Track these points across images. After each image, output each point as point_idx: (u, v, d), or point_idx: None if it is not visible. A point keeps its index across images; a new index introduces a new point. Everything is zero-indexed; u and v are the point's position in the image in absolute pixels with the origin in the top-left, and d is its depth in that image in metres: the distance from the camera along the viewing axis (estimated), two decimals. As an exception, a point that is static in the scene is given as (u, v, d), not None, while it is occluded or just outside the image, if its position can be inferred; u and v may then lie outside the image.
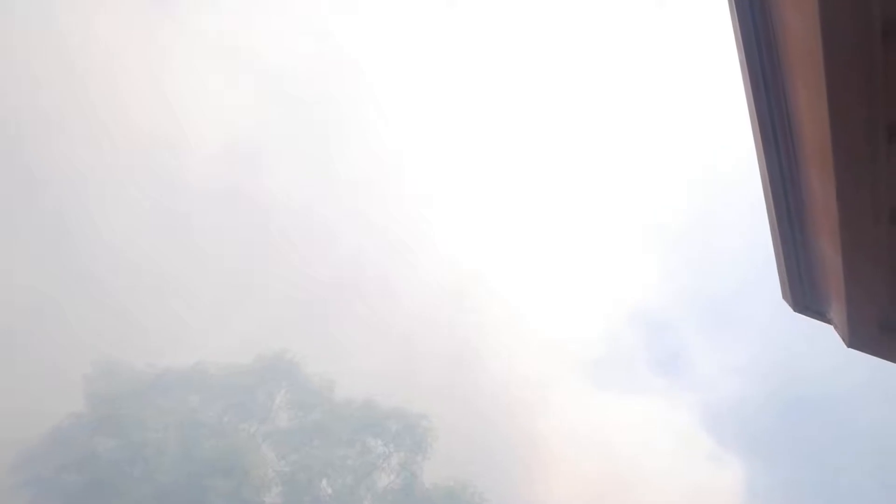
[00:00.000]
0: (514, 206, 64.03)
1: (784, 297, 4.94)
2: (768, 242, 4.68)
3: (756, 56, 3.02)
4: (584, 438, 49.91)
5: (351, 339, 46.91)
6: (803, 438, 55.94)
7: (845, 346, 4.79)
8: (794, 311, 5.01)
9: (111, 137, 50.75)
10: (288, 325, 44.58)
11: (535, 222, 63.76)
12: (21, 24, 48.72)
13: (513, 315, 55.94)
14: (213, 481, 32.76)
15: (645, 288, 61.52)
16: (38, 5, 49.95)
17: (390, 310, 50.95)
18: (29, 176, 46.62)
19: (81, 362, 37.15)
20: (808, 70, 2.66)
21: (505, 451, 45.63)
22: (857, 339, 4.53)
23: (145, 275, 46.03)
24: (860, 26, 2.37)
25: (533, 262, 61.64)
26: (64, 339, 38.67)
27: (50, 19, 50.29)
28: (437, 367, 48.00)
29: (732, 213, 58.21)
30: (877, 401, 49.72)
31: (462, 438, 41.13)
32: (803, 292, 4.71)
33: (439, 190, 62.12)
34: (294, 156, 56.67)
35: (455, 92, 65.03)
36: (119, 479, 32.34)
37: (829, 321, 4.84)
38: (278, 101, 58.12)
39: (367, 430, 37.03)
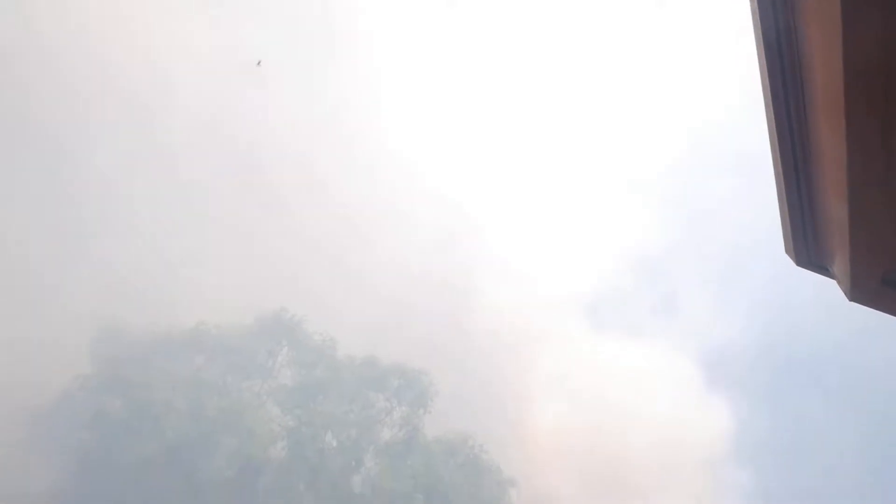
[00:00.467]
0: (509, 153, 63.60)
1: (787, 251, 4.89)
2: (772, 194, 4.61)
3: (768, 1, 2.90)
4: (581, 384, 50.52)
5: (348, 296, 47.11)
6: (797, 388, 56.64)
7: (847, 300, 4.77)
8: (797, 265, 4.97)
9: (103, 73, 49.84)
10: (285, 283, 44.71)
11: (531, 168, 63.40)
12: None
13: (509, 263, 56.05)
14: (219, 438, 33.32)
15: (645, 233, 61.35)
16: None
17: (386, 266, 51.06)
18: (23, 125, 46.07)
19: (85, 326, 37.38)
20: (822, 15, 2.56)
21: (504, 401, 46.26)
22: (859, 292, 4.49)
23: (141, 235, 45.96)
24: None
25: (529, 208, 61.47)
26: (66, 303, 38.83)
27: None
28: (435, 322, 48.32)
29: (737, 164, 57.83)
30: (873, 354, 50.18)
31: (462, 392, 41.65)
32: (806, 247, 4.66)
33: (432, 140, 61.59)
34: (286, 106, 56.01)
35: (451, 33, 63.90)
36: (129, 438, 32.86)
37: (831, 276, 4.80)
38: (271, 50, 57.20)
39: (368, 385, 37.51)
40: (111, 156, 47.90)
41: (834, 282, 4.89)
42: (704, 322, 61.35)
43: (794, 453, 53.10)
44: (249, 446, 33.68)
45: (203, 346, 38.09)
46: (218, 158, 51.59)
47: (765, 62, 3.16)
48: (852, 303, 4.75)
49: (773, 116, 3.45)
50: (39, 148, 46.20)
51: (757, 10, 2.97)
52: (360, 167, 56.53)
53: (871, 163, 3.07)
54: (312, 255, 49.36)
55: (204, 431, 33.11)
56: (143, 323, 37.92)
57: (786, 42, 3.00)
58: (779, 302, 56.88)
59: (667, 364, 53.96)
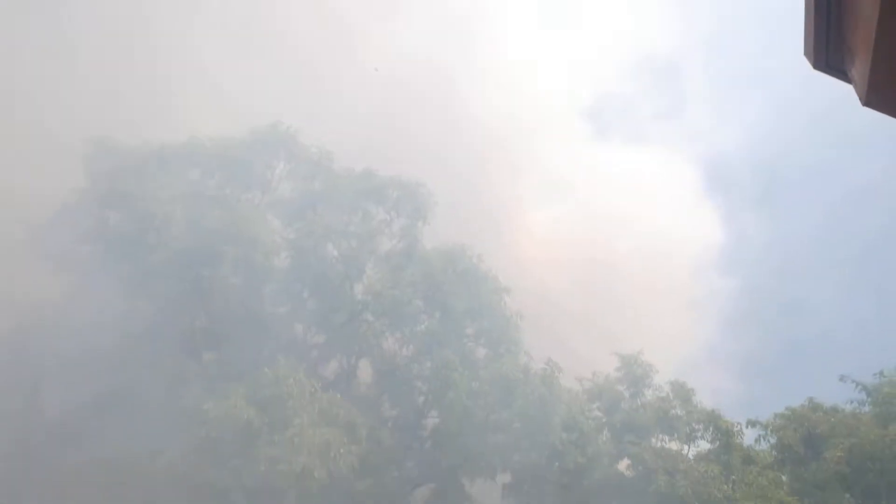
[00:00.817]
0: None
1: (806, 52, 4.73)
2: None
3: None
4: (579, 192, 50.99)
5: (344, 107, 46.13)
6: (796, 200, 57.11)
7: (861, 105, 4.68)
8: (815, 68, 4.83)
9: None
10: (279, 94, 43.61)
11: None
12: None
13: (507, 62, 54.08)
14: (223, 248, 34.13)
15: (652, 33, 58.52)
16: None
17: (381, 73, 49.41)
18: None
19: (77, 140, 36.88)
20: None
21: (501, 210, 47.02)
22: (875, 97, 4.39)
23: (130, 46, 44.06)
24: None
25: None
26: (58, 118, 38.03)
27: None
28: (432, 130, 47.71)
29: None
30: (877, 169, 49.93)
31: (460, 202, 42.15)
32: (827, 48, 4.52)
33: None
34: None
35: None
36: (132, 248, 33.72)
37: (848, 80, 4.68)
38: None
39: (367, 197, 37.85)
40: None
41: (848, 91, 4.77)
42: (709, 128, 60.39)
43: (787, 264, 54.65)
44: (253, 255, 34.58)
45: (198, 159, 37.91)
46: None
47: None
48: (865, 108, 4.66)
49: None
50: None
51: None
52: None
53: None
54: (304, 62, 47.68)
55: (206, 242, 33.78)
56: (136, 136, 37.45)
57: None
58: (787, 111, 55.82)
59: (667, 172, 53.98)
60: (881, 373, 32.50)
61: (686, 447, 30.20)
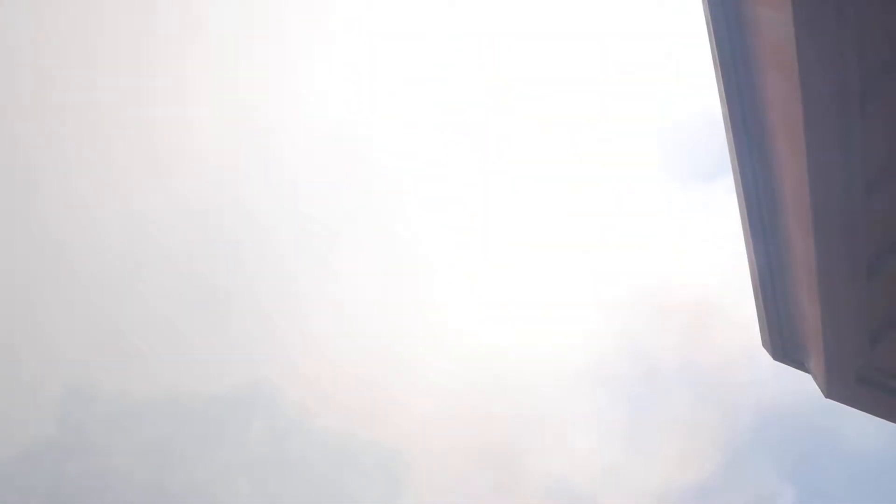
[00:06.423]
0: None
1: (763, 345, 4.96)
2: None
3: (739, 112, 3.06)
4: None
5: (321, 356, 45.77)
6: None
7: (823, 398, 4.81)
8: (774, 359, 5.03)
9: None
10: (261, 350, 43.55)
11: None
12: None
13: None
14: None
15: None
16: None
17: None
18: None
19: (52, 384, 36.09)
20: (790, 129, 2.71)
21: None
22: (835, 391, 4.55)
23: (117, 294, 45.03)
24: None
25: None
26: (35, 359, 37.65)
27: None
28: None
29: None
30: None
31: (443, 474, 40.26)
32: (783, 342, 4.73)
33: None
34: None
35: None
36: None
37: (807, 371, 4.86)
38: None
39: (341, 466, 36.05)
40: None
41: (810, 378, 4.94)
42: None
43: None
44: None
45: (174, 412, 36.85)
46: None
47: (738, 172, 3.31)
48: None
49: (748, 223, 3.58)
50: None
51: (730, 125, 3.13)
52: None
53: (840, 266, 3.19)
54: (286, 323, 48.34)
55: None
56: (114, 385, 36.72)
57: (758, 157, 3.16)
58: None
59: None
60: None
61: None
